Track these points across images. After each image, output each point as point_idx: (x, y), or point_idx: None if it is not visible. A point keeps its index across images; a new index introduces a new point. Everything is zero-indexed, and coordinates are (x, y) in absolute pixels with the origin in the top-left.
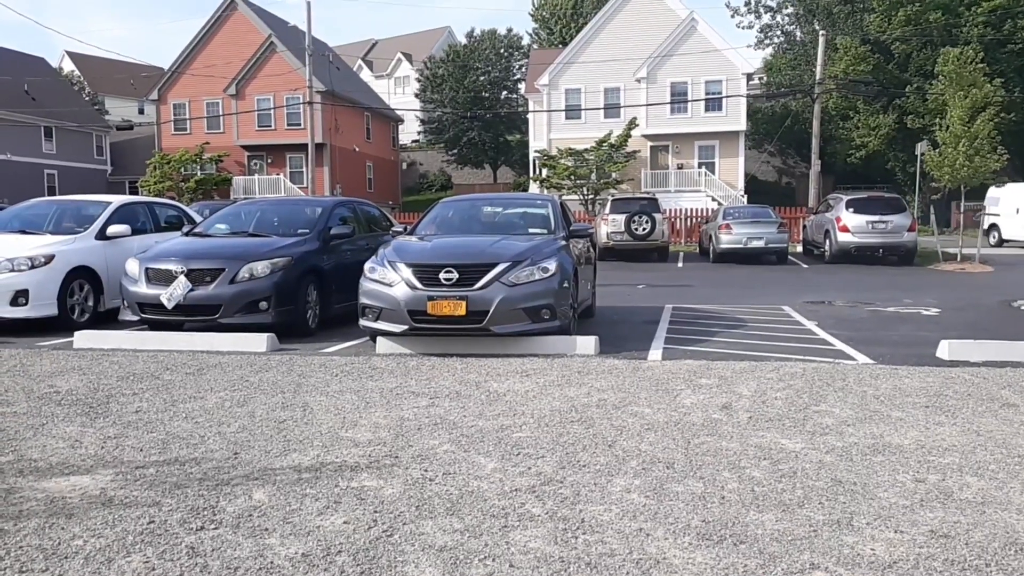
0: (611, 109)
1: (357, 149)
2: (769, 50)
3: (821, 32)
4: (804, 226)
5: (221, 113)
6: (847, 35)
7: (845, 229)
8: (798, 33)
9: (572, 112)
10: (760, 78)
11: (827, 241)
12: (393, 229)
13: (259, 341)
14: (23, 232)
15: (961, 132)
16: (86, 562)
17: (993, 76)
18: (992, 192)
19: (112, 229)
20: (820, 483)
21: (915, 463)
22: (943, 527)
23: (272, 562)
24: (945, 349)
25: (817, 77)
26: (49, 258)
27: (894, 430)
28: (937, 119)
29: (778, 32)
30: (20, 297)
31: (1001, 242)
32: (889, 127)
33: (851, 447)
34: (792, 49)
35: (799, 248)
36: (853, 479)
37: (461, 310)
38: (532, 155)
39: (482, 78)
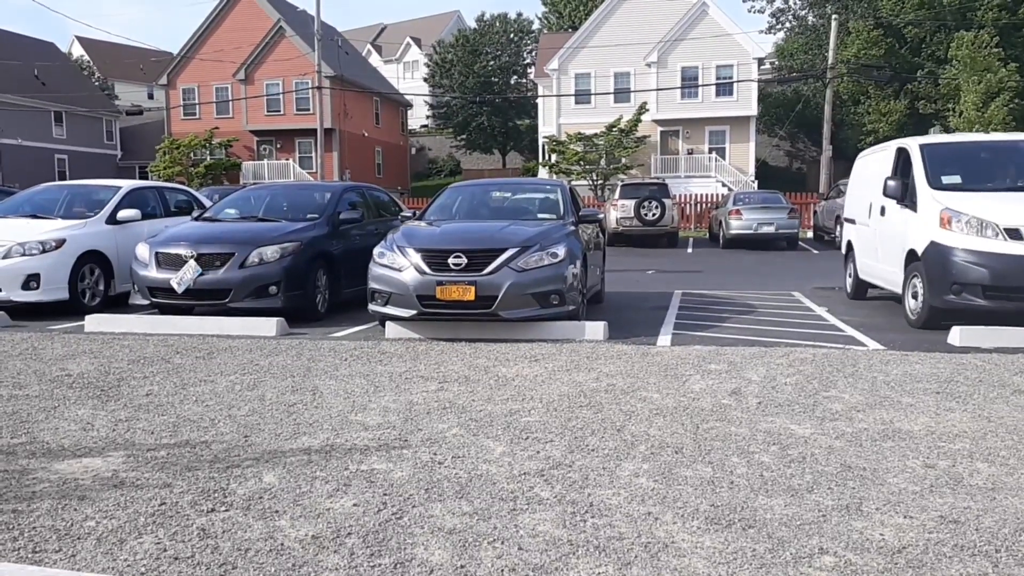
0: (621, 94)
1: (366, 134)
2: (781, 34)
3: (834, 16)
4: (815, 212)
5: (230, 98)
6: (860, 18)
7: None
8: (810, 17)
9: (582, 97)
10: (771, 62)
11: (838, 227)
12: (402, 214)
13: (269, 325)
14: (34, 216)
15: (975, 117)
16: (98, 543)
17: (1008, 61)
18: None
19: (122, 214)
20: (829, 468)
21: (925, 449)
22: (953, 513)
23: (282, 544)
24: (956, 335)
25: (829, 61)
26: (60, 242)
27: (904, 416)
28: (950, 104)
29: (790, 16)
30: (32, 281)
31: None
32: (901, 112)
33: (861, 433)
34: (804, 33)
35: (810, 234)
36: (862, 464)
37: (470, 295)
38: (541, 140)
39: (491, 63)
